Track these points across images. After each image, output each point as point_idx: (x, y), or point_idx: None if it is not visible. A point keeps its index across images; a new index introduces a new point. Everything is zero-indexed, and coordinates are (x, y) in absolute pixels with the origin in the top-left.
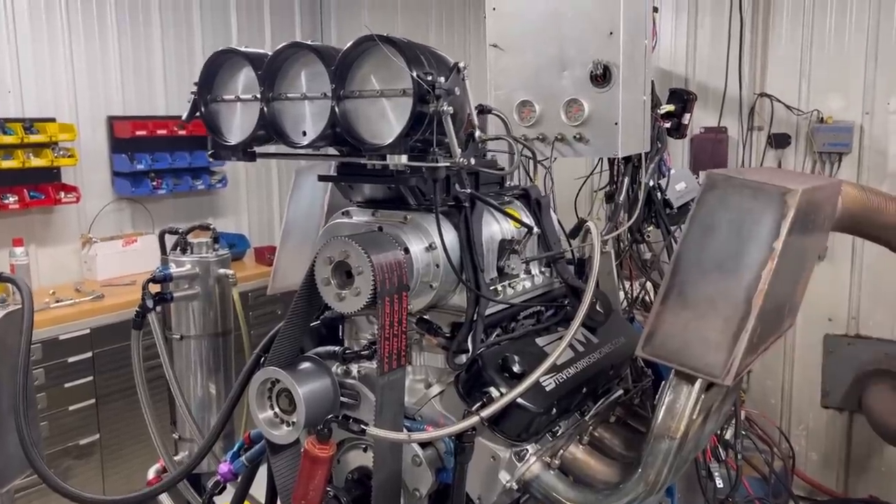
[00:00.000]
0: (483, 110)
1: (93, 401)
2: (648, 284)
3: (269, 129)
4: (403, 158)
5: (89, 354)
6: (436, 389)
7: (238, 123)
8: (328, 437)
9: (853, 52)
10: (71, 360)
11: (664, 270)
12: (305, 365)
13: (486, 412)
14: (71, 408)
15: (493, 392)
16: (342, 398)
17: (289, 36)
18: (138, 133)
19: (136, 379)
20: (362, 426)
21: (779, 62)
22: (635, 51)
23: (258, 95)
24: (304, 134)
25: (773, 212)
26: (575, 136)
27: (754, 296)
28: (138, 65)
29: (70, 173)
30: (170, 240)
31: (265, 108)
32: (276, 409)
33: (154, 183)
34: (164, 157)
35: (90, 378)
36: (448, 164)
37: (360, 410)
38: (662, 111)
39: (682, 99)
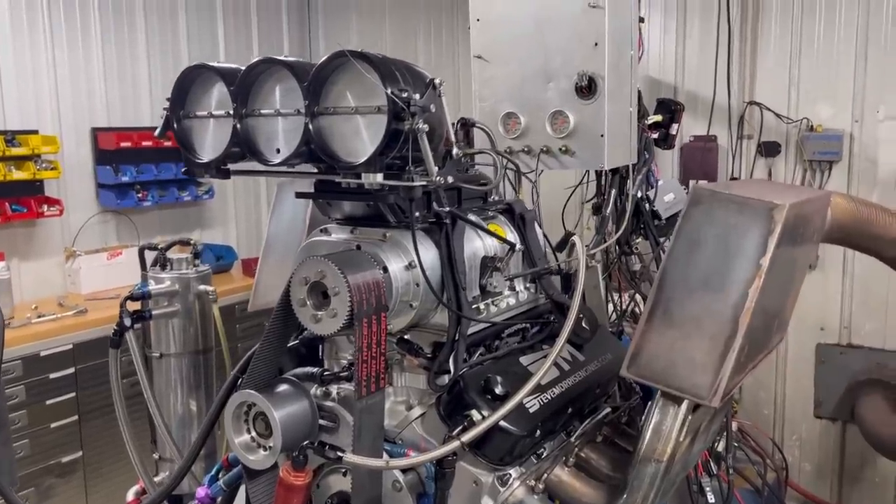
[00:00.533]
0: (466, 123)
1: (75, 417)
2: (638, 296)
3: (243, 146)
4: (379, 177)
5: (72, 370)
6: (417, 412)
7: (211, 140)
8: (303, 464)
9: (842, 60)
10: (52, 376)
11: (653, 281)
12: (283, 387)
13: (466, 437)
14: (53, 425)
15: (475, 415)
16: (321, 421)
17: (276, 45)
18: (123, 144)
19: (114, 399)
20: (338, 453)
21: (768, 70)
22: (621, 61)
23: (231, 112)
24: (278, 151)
25: (760, 227)
26: (560, 149)
27: (741, 314)
28: (123, 74)
29: (53, 186)
30: (150, 255)
31: (238, 125)
32: (253, 433)
33: (139, 195)
34: (149, 169)
35: (73, 394)
36: (424, 182)
37: (339, 434)
38: (650, 122)
39: (670, 109)
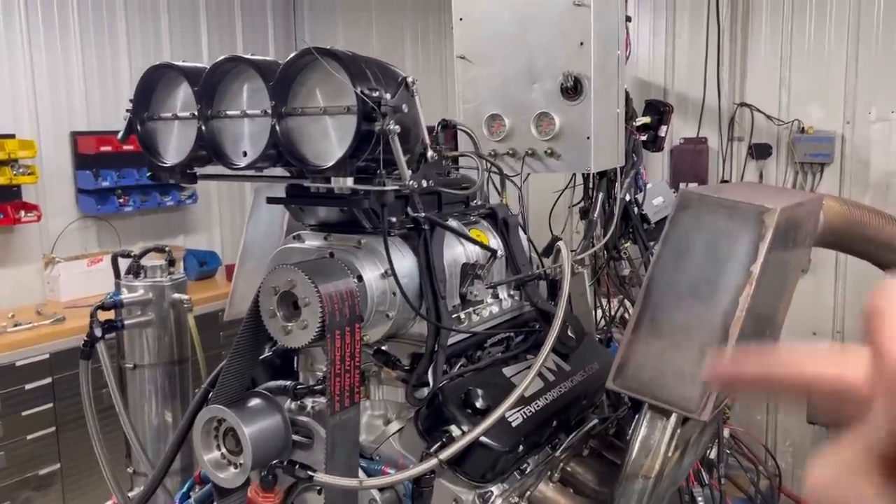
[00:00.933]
0: (448, 125)
1: (53, 429)
2: (627, 302)
3: (208, 149)
4: (349, 181)
5: (49, 380)
6: (395, 426)
7: (176, 143)
8: (272, 484)
9: (833, 61)
10: (28, 386)
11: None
12: (254, 402)
13: (445, 454)
14: (29, 437)
15: (454, 430)
16: (294, 437)
17: (261, 46)
18: (103, 149)
19: (86, 413)
20: (309, 472)
21: (758, 71)
22: (607, 62)
23: (196, 113)
24: (245, 154)
25: (750, 232)
26: (546, 151)
27: (731, 323)
28: (103, 76)
29: (31, 191)
30: (124, 263)
31: (203, 127)
32: (223, 450)
33: (120, 200)
34: (130, 173)
35: (50, 405)
36: (397, 186)
37: (314, 450)
38: (638, 123)
39: (659, 111)
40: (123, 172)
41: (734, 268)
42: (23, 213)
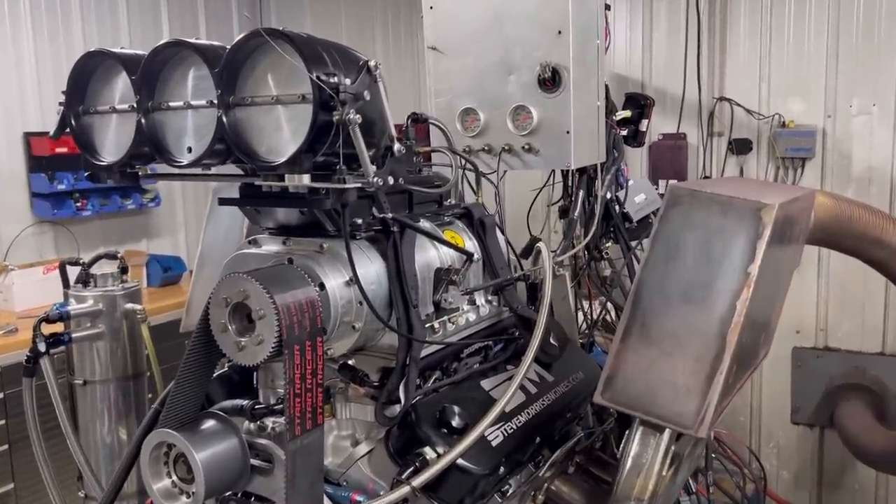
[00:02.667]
0: (418, 119)
1: (5, 447)
2: (609, 304)
3: (149, 145)
4: (305, 178)
5: (0, 396)
6: (364, 448)
7: (114, 139)
8: None
9: (813, 54)
10: None
11: (626, 287)
12: (207, 424)
13: (418, 480)
14: None
15: (428, 453)
16: (253, 461)
17: (226, 36)
18: (58, 150)
19: (30, 434)
20: None
21: (738, 65)
22: (587, 52)
23: (135, 105)
24: (190, 150)
25: (747, 230)
26: (524, 147)
27: (728, 329)
28: (59, 73)
29: None
30: (74, 272)
31: (143, 120)
32: (174, 478)
33: (78, 204)
34: None
35: (2, 422)
36: (359, 184)
37: (274, 476)
38: (618, 118)
39: (639, 104)
40: (80, 175)
41: (730, 269)
42: None
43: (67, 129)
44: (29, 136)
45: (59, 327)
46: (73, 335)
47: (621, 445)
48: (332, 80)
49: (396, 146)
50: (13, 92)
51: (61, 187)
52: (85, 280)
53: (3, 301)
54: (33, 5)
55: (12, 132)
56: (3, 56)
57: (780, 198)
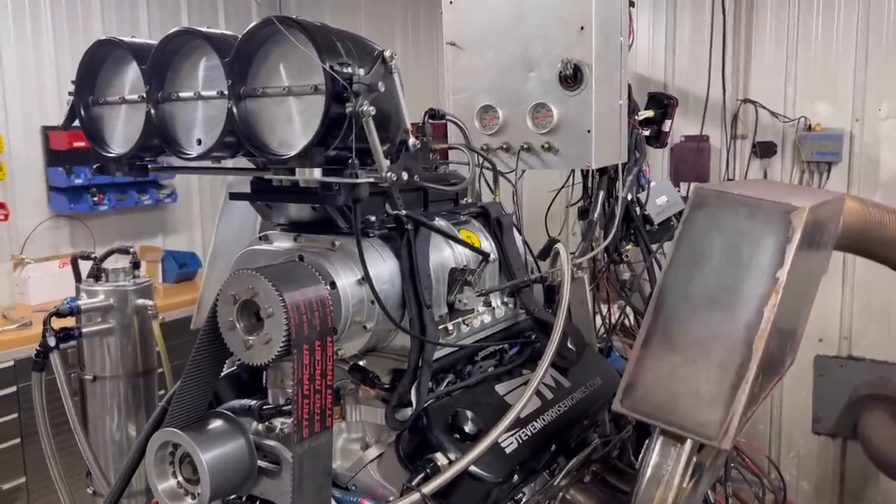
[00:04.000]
0: (435, 115)
1: (17, 440)
2: (629, 308)
3: (158, 137)
4: (316, 173)
5: (13, 389)
6: (374, 452)
7: (123, 130)
8: None
9: (842, 55)
10: None
11: (646, 291)
12: (215, 423)
13: (429, 486)
14: None
15: (440, 459)
16: (261, 463)
17: (245, 23)
18: (76, 144)
19: (39, 429)
20: None
21: (763, 66)
22: (610, 49)
23: (144, 95)
24: (199, 142)
25: (776, 234)
26: (543, 146)
27: (755, 337)
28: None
29: None
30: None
31: (152, 111)
32: (179, 478)
33: (95, 198)
34: None
35: (15, 415)
36: (372, 179)
37: (282, 478)
38: (641, 117)
39: (663, 104)
40: None
41: (757, 274)
42: None
43: (77, 119)
44: (47, 130)
45: (70, 322)
46: (84, 330)
47: (640, 455)
48: (345, 71)
49: (411, 140)
50: (32, 86)
51: (78, 181)
52: (97, 275)
53: (19, 294)
54: (54, 4)
55: (30, 126)
56: (22, 50)
57: (810, 201)
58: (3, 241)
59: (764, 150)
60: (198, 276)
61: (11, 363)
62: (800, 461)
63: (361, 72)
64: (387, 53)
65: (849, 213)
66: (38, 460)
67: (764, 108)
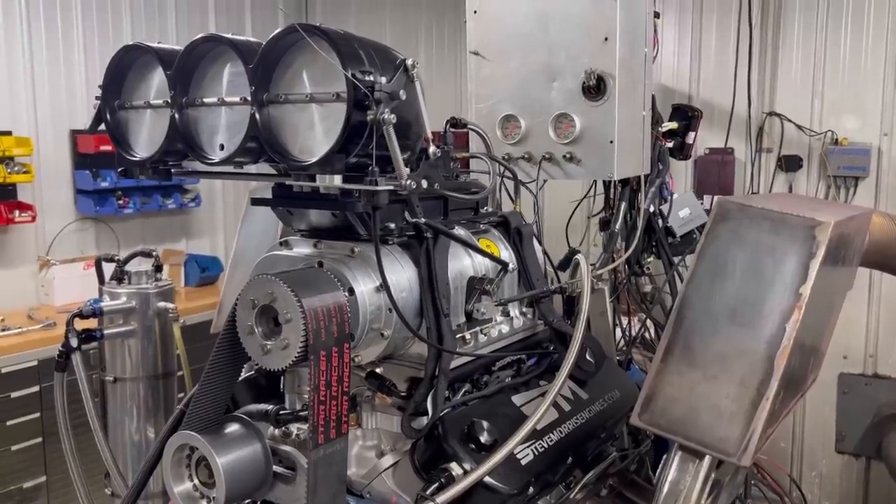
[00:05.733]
0: (457, 124)
1: (39, 440)
2: (649, 321)
3: (182, 141)
4: (336, 179)
5: (36, 389)
6: (389, 460)
7: (148, 134)
8: None
9: (870, 69)
10: (15, 395)
11: (667, 304)
12: (231, 428)
13: (443, 497)
14: (14, 447)
15: (455, 469)
16: (276, 468)
17: (271, 30)
18: (103, 148)
19: (60, 429)
20: None
21: (789, 78)
22: (633, 60)
23: (169, 100)
24: (222, 147)
25: (800, 249)
26: (565, 156)
27: (777, 353)
28: None
29: (27, 190)
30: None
31: (177, 116)
32: (195, 481)
33: (120, 202)
34: None
35: (37, 414)
36: (392, 186)
37: (297, 484)
38: (664, 129)
39: (687, 116)
40: None
41: (780, 289)
42: (17, 212)
43: (103, 123)
44: (75, 134)
45: (92, 323)
46: (106, 332)
47: (658, 470)
48: (367, 79)
49: (432, 149)
50: (62, 90)
51: (104, 185)
52: (119, 277)
53: (45, 295)
54: (85, 12)
55: (60, 129)
56: (52, 54)
57: (836, 216)
58: (30, 242)
59: (789, 163)
60: (219, 280)
61: (35, 363)
62: (822, 480)
63: (383, 80)
64: (409, 62)
65: (876, 228)
66: (58, 460)
67: (790, 121)
